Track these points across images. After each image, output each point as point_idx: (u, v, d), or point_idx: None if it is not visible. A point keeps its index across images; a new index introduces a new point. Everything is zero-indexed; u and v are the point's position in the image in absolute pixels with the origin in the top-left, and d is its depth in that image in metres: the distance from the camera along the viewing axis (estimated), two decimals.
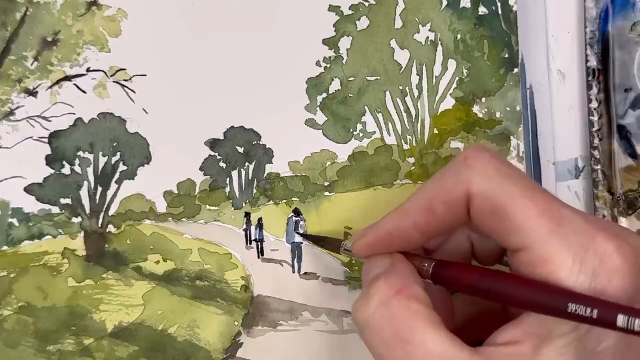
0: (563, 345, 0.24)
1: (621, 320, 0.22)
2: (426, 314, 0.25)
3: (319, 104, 0.40)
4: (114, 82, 0.37)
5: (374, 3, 0.40)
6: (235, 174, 0.39)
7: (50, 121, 0.36)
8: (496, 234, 0.26)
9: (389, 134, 0.41)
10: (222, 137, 0.39)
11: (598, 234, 0.24)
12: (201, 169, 0.39)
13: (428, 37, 0.41)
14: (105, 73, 0.37)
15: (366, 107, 0.40)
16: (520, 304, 0.24)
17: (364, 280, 0.29)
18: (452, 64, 0.41)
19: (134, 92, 0.38)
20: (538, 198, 0.25)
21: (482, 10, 0.42)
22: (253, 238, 0.39)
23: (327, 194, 0.40)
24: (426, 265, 0.28)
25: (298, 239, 0.40)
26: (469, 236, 0.32)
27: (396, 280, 0.26)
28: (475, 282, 0.26)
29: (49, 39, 0.36)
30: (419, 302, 0.25)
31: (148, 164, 0.38)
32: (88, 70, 0.37)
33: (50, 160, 0.37)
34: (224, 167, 0.39)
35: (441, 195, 0.26)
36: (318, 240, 0.38)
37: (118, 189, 0.38)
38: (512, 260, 0.26)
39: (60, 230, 0.37)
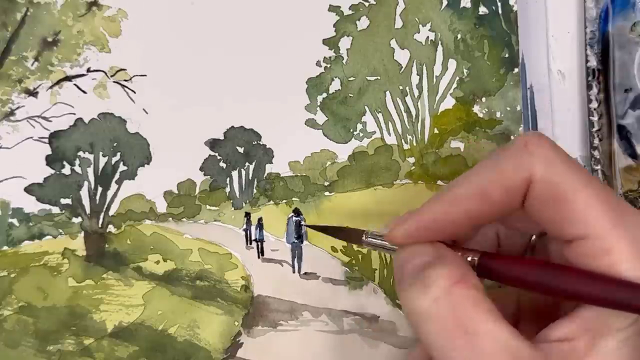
0: (620, 340, 0.23)
1: None
2: (488, 304, 0.24)
3: (319, 103, 0.40)
4: (114, 82, 0.37)
5: (374, 3, 0.40)
6: (235, 174, 0.39)
7: (50, 121, 0.36)
8: (552, 222, 0.25)
9: (389, 134, 0.41)
10: (222, 137, 0.39)
11: None
12: (201, 169, 0.39)
13: (428, 37, 0.41)
14: (105, 73, 0.37)
15: (366, 107, 0.40)
16: (587, 298, 0.24)
17: (403, 269, 0.26)
18: (452, 64, 0.41)
19: (134, 92, 0.38)
20: (600, 189, 0.24)
21: (482, 10, 0.41)
22: (253, 238, 0.39)
23: (327, 193, 0.40)
24: (470, 257, 0.26)
25: (298, 236, 0.40)
26: (497, 229, 0.31)
27: (454, 269, 0.25)
28: (532, 275, 0.25)
29: (49, 39, 0.36)
30: (481, 292, 0.24)
31: (148, 164, 0.38)
32: (88, 70, 0.37)
33: (50, 160, 0.37)
34: (224, 167, 0.39)
35: (500, 180, 0.25)
36: (335, 231, 0.35)
37: (118, 189, 0.38)
38: (565, 251, 0.25)
39: (60, 230, 0.37)
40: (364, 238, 0.29)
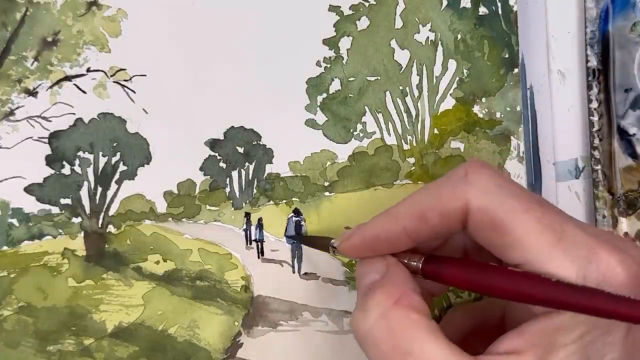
0: (566, 356, 0.24)
1: None
2: (425, 323, 0.25)
3: (319, 104, 0.40)
4: (113, 82, 0.37)
5: (374, 3, 0.40)
6: (235, 174, 0.39)
7: (50, 121, 0.36)
8: (495, 248, 0.26)
9: (389, 134, 0.41)
10: (222, 137, 0.39)
11: (600, 247, 0.24)
12: (201, 169, 0.39)
13: (428, 37, 0.41)
14: (105, 73, 0.37)
15: (366, 107, 0.40)
16: (517, 296, 0.24)
17: (359, 285, 0.28)
18: (452, 64, 0.41)
19: (134, 92, 0.38)
20: (539, 212, 0.25)
21: (482, 10, 0.41)
22: (253, 238, 0.39)
23: (327, 194, 0.40)
24: (415, 260, 0.28)
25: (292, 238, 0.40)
26: (464, 243, 0.31)
27: (393, 290, 0.26)
28: (470, 275, 0.26)
29: (49, 39, 0.36)
30: (418, 312, 0.25)
31: (148, 164, 0.38)
32: (88, 70, 0.37)
33: (50, 160, 0.36)
34: (224, 167, 0.39)
35: (436, 206, 0.26)
36: (307, 241, 0.38)
37: (118, 189, 0.38)
38: None
39: (60, 230, 0.37)
40: (330, 247, 0.31)
